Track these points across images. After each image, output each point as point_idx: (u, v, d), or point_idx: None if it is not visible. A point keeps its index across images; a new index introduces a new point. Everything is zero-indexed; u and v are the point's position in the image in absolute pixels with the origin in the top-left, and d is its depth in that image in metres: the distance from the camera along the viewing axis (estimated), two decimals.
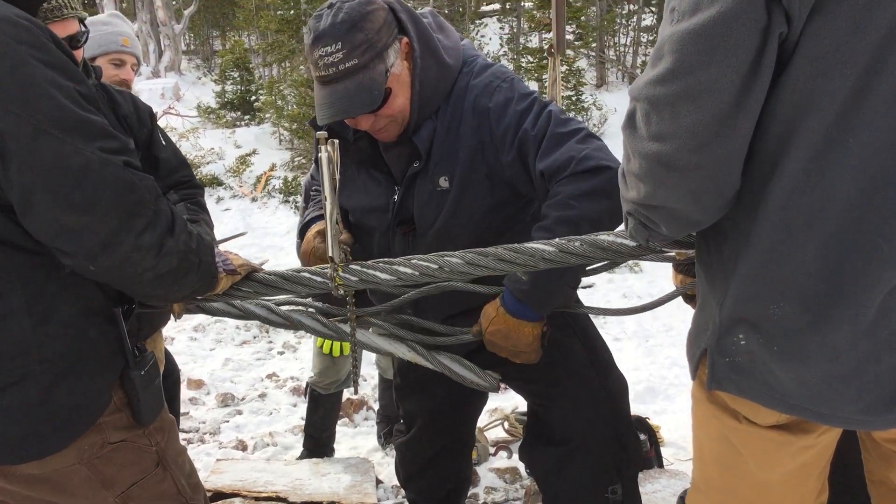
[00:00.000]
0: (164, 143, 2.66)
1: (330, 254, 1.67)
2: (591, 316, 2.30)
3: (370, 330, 2.04)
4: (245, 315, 1.96)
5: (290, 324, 2.00)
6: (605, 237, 1.61)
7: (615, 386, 2.20)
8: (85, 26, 2.42)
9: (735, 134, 1.16)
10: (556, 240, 1.63)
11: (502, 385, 4.96)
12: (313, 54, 1.85)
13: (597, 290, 7.32)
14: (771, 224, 1.22)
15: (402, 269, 1.69)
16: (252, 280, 1.80)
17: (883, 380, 1.22)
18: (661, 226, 1.36)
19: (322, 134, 1.60)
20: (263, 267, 1.87)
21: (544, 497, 2.28)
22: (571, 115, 1.93)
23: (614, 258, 1.62)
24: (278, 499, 3.16)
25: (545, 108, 1.92)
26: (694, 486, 1.64)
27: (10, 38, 1.30)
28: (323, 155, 1.57)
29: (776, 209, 1.21)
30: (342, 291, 1.76)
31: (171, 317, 2.93)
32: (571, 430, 2.12)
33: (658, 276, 7.79)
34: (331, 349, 3.57)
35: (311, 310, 2.09)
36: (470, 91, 1.96)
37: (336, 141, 1.60)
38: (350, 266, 1.73)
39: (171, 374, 3.24)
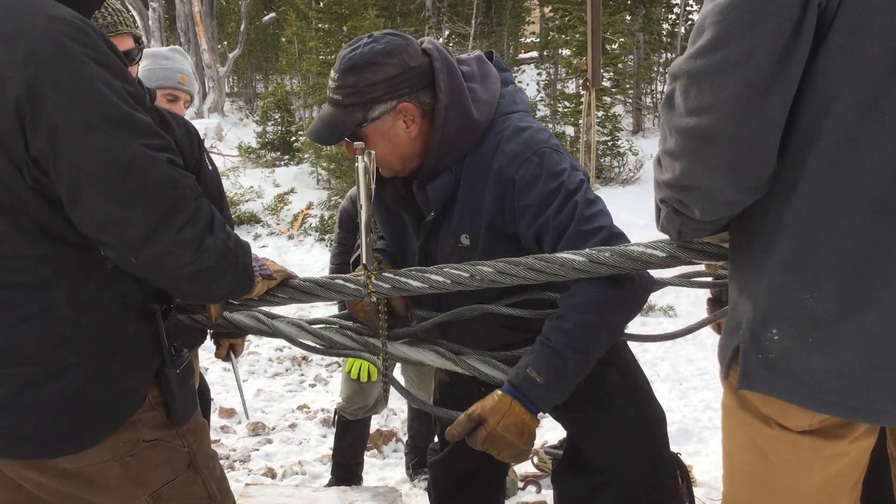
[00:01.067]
0: (210, 168, 2.74)
1: (364, 261, 1.71)
2: (629, 345, 2.29)
3: (399, 342, 2.05)
4: (273, 333, 1.99)
5: (319, 341, 2.02)
6: (634, 248, 1.62)
7: (653, 416, 2.16)
8: (139, 43, 2.52)
9: (773, 104, 1.18)
10: (587, 250, 1.65)
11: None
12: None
13: (629, 332, 7.26)
14: (805, 207, 1.23)
15: (433, 276, 1.72)
16: (287, 286, 1.84)
17: None
18: (694, 209, 1.37)
19: (360, 144, 1.65)
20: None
21: None
22: (597, 201, 1.87)
23: (644, 268, 1.63)
24: None
25: (572, 196, 1.84)
26: (723, 503, 1.62)
27: (65, 35, 1.36)
28: (360, 164, 1.61)
29: (810, 192, 1.21)
30: (374, 298, 1.79)
31: (207, 336, 3.00)
32: (606, 459, 2.09)
33: (692, 319, 7.68)
34: (359, 374, 3.58)
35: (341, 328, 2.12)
36: (499, 156, 1.91)
37: (372, 152, 1.64)
38: (383, 274, 1.76)
39: (204, 393, 3.27)
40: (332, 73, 1.91)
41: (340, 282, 1.81)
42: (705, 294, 3.22)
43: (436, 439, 2.73)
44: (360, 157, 1.62)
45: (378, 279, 1.76)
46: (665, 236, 1.59)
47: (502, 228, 1.91)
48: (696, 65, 1.21)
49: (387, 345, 1.91)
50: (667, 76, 1.33)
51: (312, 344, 2.04)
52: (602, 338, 1.81)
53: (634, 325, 7.49)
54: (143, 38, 2.97)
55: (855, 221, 1.18)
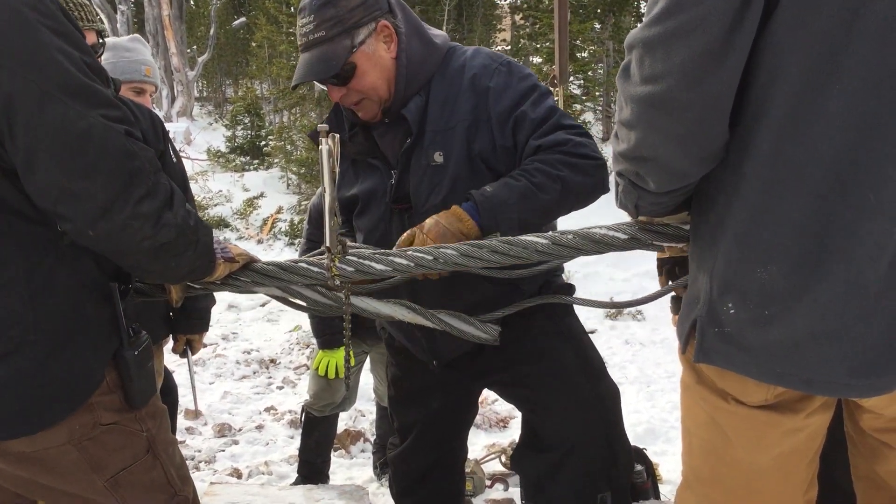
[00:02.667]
0: (174, 160, 2.72)
1: (327, 244, 1.70)
2: (582, 323, 2.32)
3: (367, 297, 2.02)
4: (244, 288, 1.93)
5: (288, 294, 1.97)
6: (596, 230, 1.64)
7: (607, 392, 2.19)
8: (102, 37, 2.49)
9: (724, 71, 1.19)
10: (550, 233, 1.66)
11: (498, 415, 4.94)
12: (296, 24, 2.00)
13: (599, 336, 7.32)
14: (757, 179, 1.24)
15: (397, 259, 1.72)
16: (250, 270, 1.82)
17: (872, 340, 1.22)
18: (649, 181, 1.38)
19: (323, 127, 1.65)
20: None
21: None
22: None
23: (606, 250, 1.64)
24: None
25: (547, 97, 2.03)
26: (682, 481, 1.62)
27: (22, 3, 1.34)
28: (323, 147, 1.61)
29: (763, 164, 1.23)
30: (338, 282, 1.78)
31: (169, 335, 2.98)
32: (562, 435, 2.11)
33: (661, 323, 7.77)
34: (326, 371, 3.57)
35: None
36: (468, 70, 2.05)
37: (337, 135, 1.64)
38: (347, 257, 1.76)
39: (170, 393, 3.24)
40: (304, 19, 1.98)
41: (304, 265, 1.80)
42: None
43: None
44: (323, 140, 1.62)
45: (342, 262, 1.75)
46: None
47: (477, 139, 2.01)
48: (649, 33, 1.23)
49: (351, 297, 1.89)
50: (624, 47, 1.35)
51: (280, 294, 2.00)
52: (556, 185, 1.91)
53: (604, 328, 7.60)
54: (107, 33, 2.94)
55: (807, 194, 1.20)
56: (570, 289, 2.27)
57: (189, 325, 2.89)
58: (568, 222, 1.88)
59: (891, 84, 1.14)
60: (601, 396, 2.16)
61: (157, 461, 1.72)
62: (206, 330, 2.98)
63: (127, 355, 1.61)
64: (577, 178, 1.92)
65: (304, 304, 1.96)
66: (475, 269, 1.75)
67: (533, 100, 2.00)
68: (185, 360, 3.09)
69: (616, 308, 2.13)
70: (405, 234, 1.91)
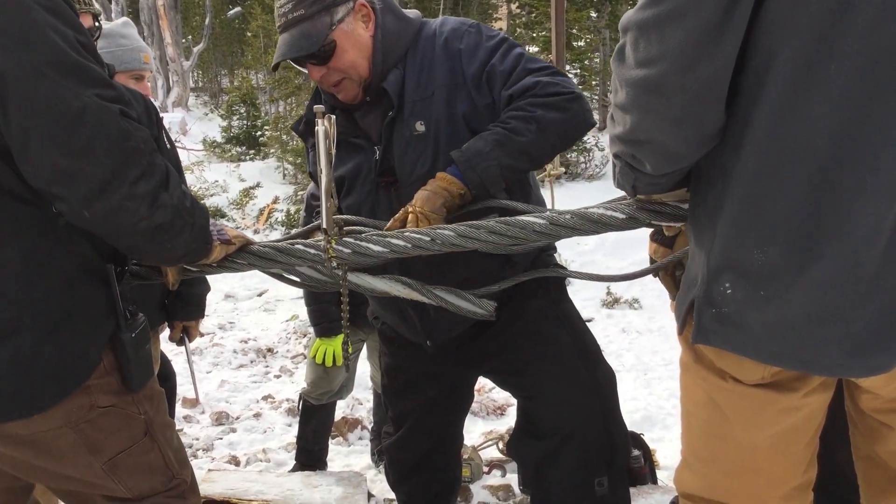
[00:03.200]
0: (168, 146, 2.71)
1: (324, 226, 1.69)
2: (579, 311, 2.31)
3: (363, 273, 2.01)
4: (239, 267, 1.92)
5: (284, 271, 1.98)
6: (594, 210, 1.63)
7: (604, 377, 2.19)
8: (99, 22, 2.48)
9: (720, 54, 1.19)
10: (547, 213, 1.66)
11: (496, 402, 4.95)
12: (275, 6, 2.02)
13: (596, 324, 7.33)
14: (755, 160, 1.24)
15: (394, 241, 1.71)
16: (247, 252, 1.82)
17: (867, 321, 1.22)
18: (645, 163, 1.38)
19: (319, 108, 1.64)
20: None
21: (533, 492, 2.27)
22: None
23: (604, 230, 1.64)
24: None
25: (514, 48, 2.05)
26: (681, 461, 1.63)
27: None
28: (319, 129, 1.60)
29: (758, 145, 1.22)
30: (335, 264, 1.78)
31: (169, 336, 2.98)
32: (559, 422, 2.11)
33: (657, 312, 7.79)
34: (323, 359, 3.56)
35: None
36: (439, 36, 2.08)
37: (332, 116, 1.63)
38: (343, 239, 1.75)
39: (168, 379, 3.24)
40: (282, 1, 2.00)
41: (301, 247, 1.80)
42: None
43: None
44: (319, 122, 1.61)
45: (339, 244, 1.75)
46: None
47: (457, 103, 2.03)
48: (644, 15, 1.23)
49: (348, 273, 1.88)
50: (619, 30, 1.34)
51: (277, 271, 2.00)
52: (531, 125, 1.91)
53: (600, 317, 7.61)
54: (102, 17, 2.92)
55: (803, 175, 1.20)
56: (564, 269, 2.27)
57: (185, 311, 2.88)
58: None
59: (887, 64, 1.13)
60: (598, 381, 2.16)
61: (155, 444, 1.71)
62: (202, 316, 2.98)
63: (124, 338, 1.61)
64: (550, 114, 1.91)
65: (299, 280, 1.96)
66: (471, 248, 1.74)
67: (501, 52, 2.03)
68: (183, 347, 3.09)
69: (611, 281, 2.14)
70: (399, 213, 1.91)
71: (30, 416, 1.50)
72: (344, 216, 1.92)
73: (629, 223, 1.62)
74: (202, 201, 11.69)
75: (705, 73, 1.20)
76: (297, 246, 1.80)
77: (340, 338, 3.52)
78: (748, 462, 1.48)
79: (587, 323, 2.30)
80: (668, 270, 2.06)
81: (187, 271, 1.90)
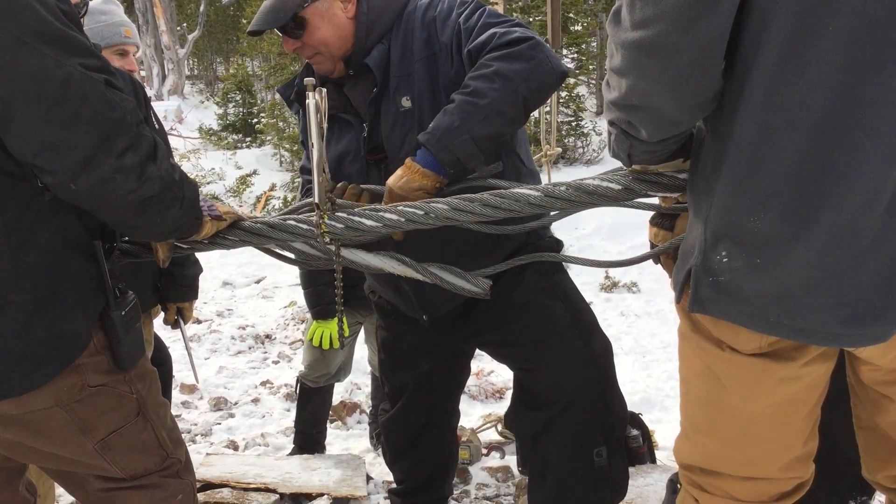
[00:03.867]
0: (157, 126, 2.69)
1: (316, 201, 1.67)
2: (573, 278, 2.31)
3: (357, 249, 2.00)
4: (236, 243, 1.90)
5: (280, 246, 1.96)
6: (589, 181, 1.61)
7: (599, 347, 2.18)
8: None
9: (717, 14, 1.16)
10: (542, 185, 1.64)
11: (494, 386, 4.95)
12: None
13: (595, 308, 7.22)
14: (751, 124, 1.22)
15: (387, 215, 1.69)
16: (238, 228, 1.80)
17: (864, 288, 1.21)
18: (641, 129, 1.36)
19: (310, 81, 1.62)
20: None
21: (532, 463, 2.26)
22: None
23: (600, 202, 1.62)
24: (267, 489, 3.13)
25: (482, 8, 2.02)
26: (680, 432, 1.62)
27: None
28: (310, 102, 1.58)
29: (755, 109, 1.21)
30: (328, 239, 1.76)
31: (163, 318, 2.96)
32: (557, 392, 2.10)
33: (656, 295, 7.79)
34: (321, 342, 3.55)
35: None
36: (418, 10, 2.07)
37: (324, 89, 1.61)
38: (336, 214, 1.73)
39: (164, 363, 3.22)
40: None
41: (293, 223, 1.78)
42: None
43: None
44: (310, 95, 1.59)
45: (331, 219, 1.73)
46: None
47: (438, 74, 2.01)
48: None
49: (341, 249, 1.87)
50: None
51: (272, 247, 1.99)
52: (493, 83, 1.84)
53: (599, 300, 7.61)
54: None
55: (801, 139, 1.18)
56: (559, 244, 2.25)
57: (178, 292, 2.86)
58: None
59: (886, 24, 1.11)
60: (594, 351, 2.15)
61: (148, 423, 1.70)
62: (195, 297, 2.95)
63: (114, 316, 1.59)
64: (513, 66, 1.84)
65: (294, 256, 1.94)
66: (466, 223, 1.72)
67: (466, 14, 2.01)
68: (178, 330, 3.07)
69: (609, 267, 2.11)
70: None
71: (19, 394, 1.48)
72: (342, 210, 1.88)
73: (625, 194, 1.60)
74: (199, 189, 11.69)
75: (702, 34, 1.18)
76: (289, 222, 1.78)
77: (336, 320, 3.50)
78: (747, 432, 1.46)
79: None
80: (669, 254, 2.04)
81: (178, 248, 1.87)
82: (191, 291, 2.90)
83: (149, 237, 1.74)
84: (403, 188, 1.85)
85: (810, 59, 1.15)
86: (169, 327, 3.06)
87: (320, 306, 3.56)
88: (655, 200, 1.74)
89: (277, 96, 16.93)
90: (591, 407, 2.10)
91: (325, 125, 1.61)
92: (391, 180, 1.89)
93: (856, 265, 1.21)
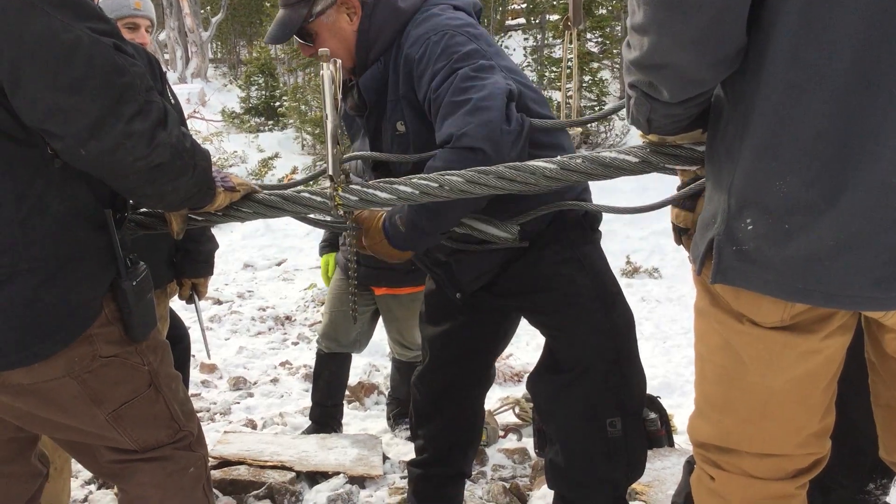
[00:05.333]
0: (172, 101, 2.67)
1: (330, 172, 1.66)
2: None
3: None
4: (260, 213, 1.89)
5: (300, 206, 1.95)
6: (606, 154, 1.58)
7: (621, 320, 2.18)
8: None
9: None
10: (558, 157, 1.61)
11: (513, 369, 4.95)
12: None
13: None
14: (776, 84, 1.18)
15: (402, 188, 1.68)
16: (252, 200, 1.79)
17: None
18: (662, 90, 1.32)
19: (325, 51, 1.61)
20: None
21: (547, 429, 2.26)
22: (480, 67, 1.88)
23: (616, 174, 1.59)
24: (284, 467, 3.14)
25: (455, 71, 1.89)
26: (695, 410, 1.59)
27: None
28: (325, 73, 1.56)
29: (781, 68, 1.17)
30: (342, 211, 1.75)
31: (177, 295, 2.96)
32: (574, 359, 2.12)
33: (677, 281, 7.74)
34: (335, 314, 3.70)
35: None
36: (406, 39, 2.03)
37: (338, 60, 1.59)
38: (350, 186, 1.72)
39: (182, 340, 3.23)
40: None
41: (307, 195, 1.77)
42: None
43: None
44: (325, 66, 1.57)
45: (345, 191, 1.71)
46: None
47: (421, 108, 2.01)
48: None
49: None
50: None
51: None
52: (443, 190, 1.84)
53: (620, 285, 7.56)
54: None
55: (828, 97, 1.14)
56: (592, 218, 2.25)
57: (193, 268, 2.85)
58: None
59: None
60: (615, 323, 2.15)
61: (160, 396, 1.70)
62: (211, 274, 2.95)
63: (125, 286, 1.58)
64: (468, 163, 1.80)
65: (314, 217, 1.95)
66: (480, 194, 1.71)
67: (439, 79, 1.90)
68: (193, 306, 3.07)
69: (631, 213, 2.03)
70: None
71: (30, 363, 1.48)
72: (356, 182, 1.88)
73: (642, 167, 1.57)
74: None
75: None
76: (303, 194, 1.77)
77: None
78: (764, 408, 1.44)
79: None
80: (691, 234, 2.01)
81: (193, 220, 1.86)
82: (206, 267, 2.90)
83: (161, 206, 1.73)
84: (378, 252, 2.01)
85: (835, 14, 1.11)
86: (188, 305, 3.08)
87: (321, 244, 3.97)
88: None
89: (300, 79, 16.98)
90: (606, 377, 2.10)
91: (339, 96, 1.59)
92: (367, 240, 2.00)
93: (887, 226, 1.16)
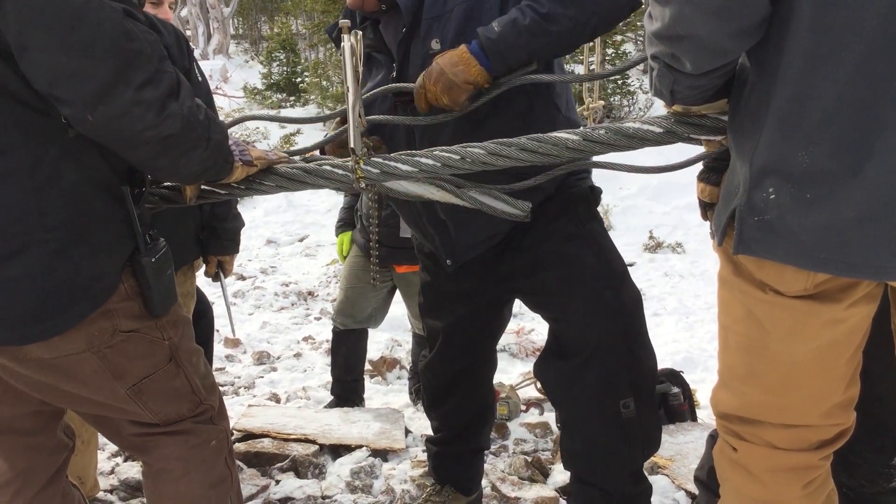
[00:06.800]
0: (200, 79, 2.67)
1: (352, 145, 1.65)
2: (621, 255, 2.26)
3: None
4: (283, 186, 1.87)
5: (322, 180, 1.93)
6: (630, 125, 1.56)
7: (629, 299, 2.13)
8: None
9: None
10: (581, 129, 1.60)
11: (535, 344, 4.95)
12: None
13: (638, 269, 7.25)
14: (799, 51, 1.17)
15: (423, 160, 1.67)
16: (274, 174, 1.78)
17: None
18: (685, 61, 1.31)
19: (345, 22, 1.59)
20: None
21: (558, 414, 2.25)
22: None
23: (639, 146, 1.57)
24: (307, 440, 3.17)
25: None
26: (718, 381, 1.58)
27: None
28: (345, 45, 1.55)
29: (805, 35, 1.15)
30: (364, 185, 1.74)
31: (204, 273, 2.98)
32: (583, 342, 2.08)
33: (701, 256, 7.68)
34: (351, 291, 3.73)
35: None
36: None
37: (359, 32, 1.58)
38: (372, 159, 1.71)
39: (205, 315, 3.26)
40: None
41: (329, 168, 1.76)
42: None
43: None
44: (345, 37, 1.56)
45: (367, 164, 1.71)
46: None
47: (477, 21, 1.89)
48: None
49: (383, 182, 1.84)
50: None
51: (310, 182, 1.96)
52: (570, 10, 1.76)
53: (642, 261, 7.52)
54: None
55: (853, 64, 1.12)
56: (596, 195, 2.21)
57: (219, 246, 2.87)
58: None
59: None
60: (622, 303, 2.11)
61: (181, 370, 1.70)
62: (237, 251, 2.96)
63: (143, 262, 1.57)
64: (564, 9, 1.75)
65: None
66: (502, 166, 1.68)
67: None
68: (219, 283, 3.09)
69: (644, 172, 1.95)
70: (416, 84, 1.85)
71: (48, 337, 1.48)
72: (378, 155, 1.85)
73: (667, 137, 1.55)
74: None
75: None
76: (324, 167, 1.77)
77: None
78: (787, 378, 1.42)
79: (629, 268, 2.24)
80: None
81: (214, 194, 1.86)
82: (232, 245, 2.91)
83: (176, 179, 1.71)
84: (457, 75, 1.79)
85: None
86: (211, 281, 3.10)
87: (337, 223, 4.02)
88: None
89: (322, 55, 16.93)
90: (617, 358, 2.07)
91: (360, 68, 1.58)
92: (443, 62, 1.81)
93: None
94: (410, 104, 1.98)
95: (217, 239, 2.87)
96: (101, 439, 2.89)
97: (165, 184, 1.94)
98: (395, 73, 2.04)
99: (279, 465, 3.01)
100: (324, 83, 13.53)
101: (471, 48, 1.80)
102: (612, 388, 2.08)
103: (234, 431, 3.26)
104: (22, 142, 1.40)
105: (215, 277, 3.02)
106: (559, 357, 2.17)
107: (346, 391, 3.85)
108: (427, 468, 2.82)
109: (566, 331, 2.14)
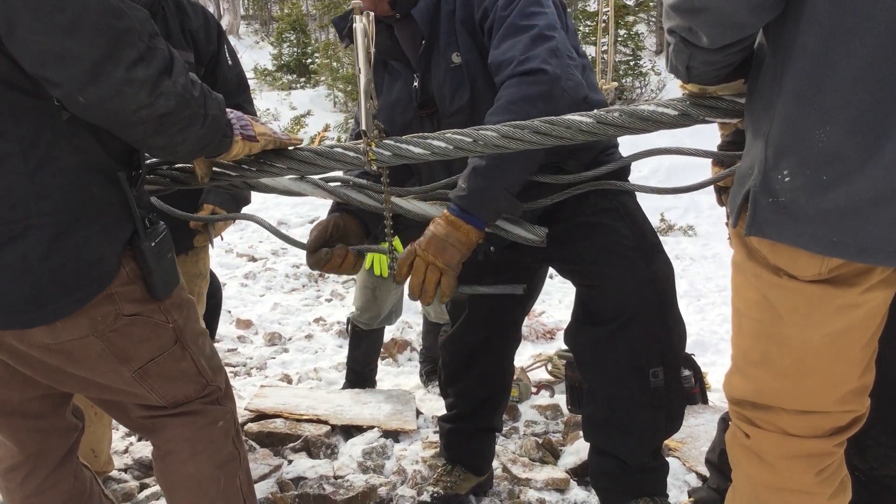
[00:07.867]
0: (230, 62, 2.61)
1: (363, 127, 1.65)
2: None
3: (410, 198, 2.00)
4: (288, 191, 1.91)
5: (335, 198, 1.97)
6: (644, 107, 1.55)
7: (661, 270, 2.15)
8: None
9: None
10: (595, 111, 1.58)
11: (545, 326, 4.94)
12: None
13: None
14: (817, 29, 1.15)
15: (435, 143, 1.66)
16: (285, 156, 1.78)
17: None
18: (702, 35, 1.29)
19: (357, 4, 1.58)
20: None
21: (587, 378, 2.24)
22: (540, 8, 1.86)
23: (654, 128, 1.56)
24: (319, 421, 3.19)
25: None
26: (731, 366, 1.58)
27: None
28: (357, 26, 1.54)
29: (822, 11, 1.14)
30: (375, 167, 1.74)
31: (210, 245, 2.87)
32: (616, 309, 2.09)
33: (712, 239, 7.66)
34: (376, 271, 3.59)
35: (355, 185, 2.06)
36: None
37: (371, 13, 1.57)
38: (383, 141, 1.71)
39: (214, 295, 3.25)
40: None
41: (340, 150, 1.76)
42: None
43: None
44: (357, 18, 1.55)
45: (378, 147, 1.70)
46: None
47: (478, 36, 1.94)
48: None
49: (395, 197, 1.87)
50: None
51: (326, 194, 1.99)
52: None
53: None
54: None
55: (871, 42, 1.11)
56: (625, 172, 2.21)
57: (218, 195, 2.65)
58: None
59: None
60: (655, 272, 2.12)
61: (186, 352, 1.70)
62: (233, 209, 2.72)
63: (143, 246, 1.56)
64: (533, 110, 1.76)
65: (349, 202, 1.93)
66: (515, 149, 1.68)
67: (503, 2, 1.88)
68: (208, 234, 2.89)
69: (668, 193, 2.00)
70: (404, 253, 1.88)
71: (50, 321, 1.47)
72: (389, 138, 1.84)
73: (682, 120, 1.53)
74: None
75: None
76: (336, 149, 1.76)
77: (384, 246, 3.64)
78: (801, 363, 1.41)
79: None
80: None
81: (225, 176, 1.84)
82: (229, 199, 2.66)
83: (173, 157, 1.68)
84: (444, 237, 1.83)
85: None
86: (223, 262, 3.03)
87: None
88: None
89: (332, 35, 16.88)
90: (650, 325, 2.08)
91: (372, 50, 1.57)
92: (437, 230, 1.84)
93: None
94: (434, 115, 1.99)
95: (220, 191, 2.72)
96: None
97: (177, 165, 1.93)
98: (416, 84, 2.05)
99: (291, 445, 3.02)
100: (334, 64, 13.51)
101: (451, 211, 1.84)
102: (644, 355, 2.10)
103: (247, 412, 3.28)
104: (13, 124, 1.38)
105: (203, 229, 2.85)
106: (591, 323, 2.18)
107: (361, 380, 3.86)
108: (438, 449, 2.83)
109: (601, 297, 2.16)
